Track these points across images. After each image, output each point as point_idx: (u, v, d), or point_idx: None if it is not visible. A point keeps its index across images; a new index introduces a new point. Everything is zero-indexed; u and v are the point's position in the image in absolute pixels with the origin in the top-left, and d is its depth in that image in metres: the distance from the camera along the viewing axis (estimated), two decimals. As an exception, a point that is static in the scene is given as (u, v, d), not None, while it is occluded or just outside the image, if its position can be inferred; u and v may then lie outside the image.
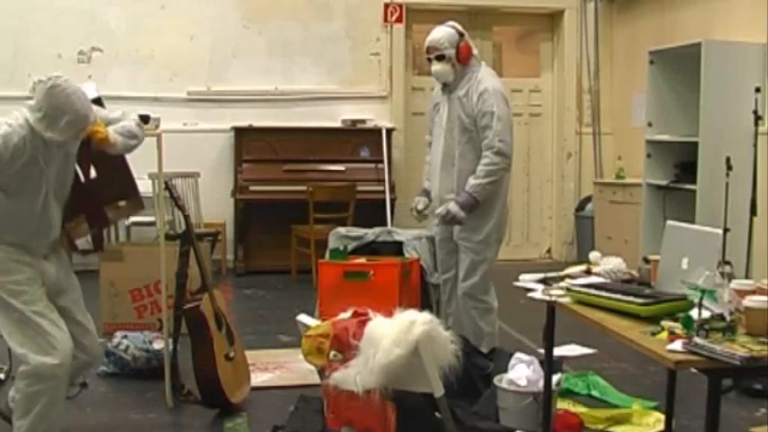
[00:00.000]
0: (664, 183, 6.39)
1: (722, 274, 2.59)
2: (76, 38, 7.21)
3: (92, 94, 3.32)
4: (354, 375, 2.88)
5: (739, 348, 2.16)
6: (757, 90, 5.42)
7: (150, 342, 4.46)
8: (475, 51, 4.28)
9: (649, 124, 6.50)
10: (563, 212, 8.46)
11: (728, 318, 2.35)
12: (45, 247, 3.19)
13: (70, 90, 2.96)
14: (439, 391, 2.92)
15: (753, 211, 5.30)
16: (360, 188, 7.10)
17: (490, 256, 4.23)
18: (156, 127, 4.00)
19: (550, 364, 3.36)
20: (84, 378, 4.21)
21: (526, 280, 3.29)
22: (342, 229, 4.63)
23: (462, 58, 4.24)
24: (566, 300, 2.89)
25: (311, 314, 3.68)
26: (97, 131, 3.15)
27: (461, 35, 4.27)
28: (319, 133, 7.68)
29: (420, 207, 4.44)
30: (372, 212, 7.08)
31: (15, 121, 2.95)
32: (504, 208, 4.27)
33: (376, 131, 7.66)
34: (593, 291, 2.80)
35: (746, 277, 4.72)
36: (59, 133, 2.96)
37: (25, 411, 3.02)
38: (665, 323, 2.42)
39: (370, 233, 4.57)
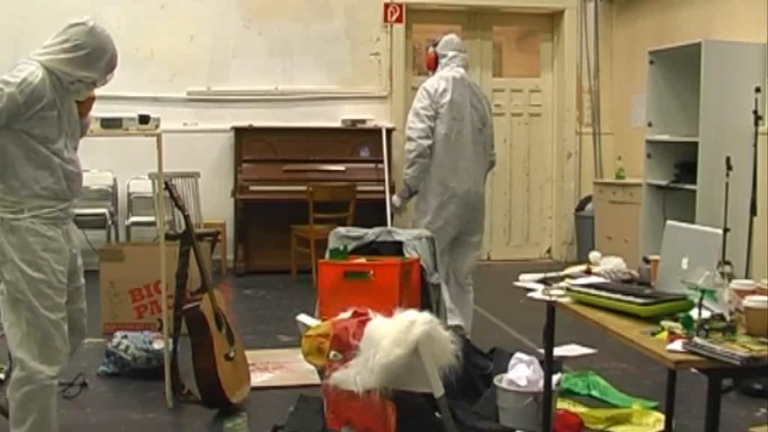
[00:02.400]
0: (664, 183, 6.38)
1: (722, 274, 2.59)
2: (76, 38, 7.20)
3: None
4: (354, 375, 2.88)
5: (739, 348, 2.16)
6: (757, 90, 5.42)
7: (150, 342, 4.46)
8: (443, 60, 4.70)
9: (649, 124, 6.50)
10: (563, 212, 8.46)
11: (728, 318, 2.35)
12: (72, 207, 3.13)
13: (107, 31, 3.09)
14: (439, 391, 2.92)
15: (753, 211, 5.30)
16: (360, 188, 7.10)
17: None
18: (156, 127, 4.00)
19: (550, 364, 3.36)
20: (84, 378, 4.22)
21: (526, 280, 3.29)
22: (342, 229, 4.62)
23: (427, 66, 4.85)
24: (566, 300, 2.88)
25: (311, 314, 3.68)
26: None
27: (434, 46, 4.79)
28: (319, 133, 7.68)
29: None
30: (372, 212, 7.08)
31: (30, 67, 2.95)
32: (433, 193, 4.64)
33: (376, 131, 7.67)
34: (593, 291, 2.79)
35: (746, 277, 4.72)
36: (98, 72, 3.04)
37: (20, 421, 2.99)
38: (665, 323, 2.42)
39: (370, 233, 4.56)
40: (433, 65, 4.73)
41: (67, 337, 3.05)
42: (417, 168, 4.62)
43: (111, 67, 3.10)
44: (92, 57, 3.01)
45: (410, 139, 4.61)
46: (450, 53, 4.68)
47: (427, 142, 4.55)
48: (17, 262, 2.93)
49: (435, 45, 4.77)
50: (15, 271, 2.93)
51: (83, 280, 3.28)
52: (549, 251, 8.65)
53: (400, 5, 7.96)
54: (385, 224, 6.90)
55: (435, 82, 4.62)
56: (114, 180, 7.42)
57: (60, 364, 3.01)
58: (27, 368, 2.95)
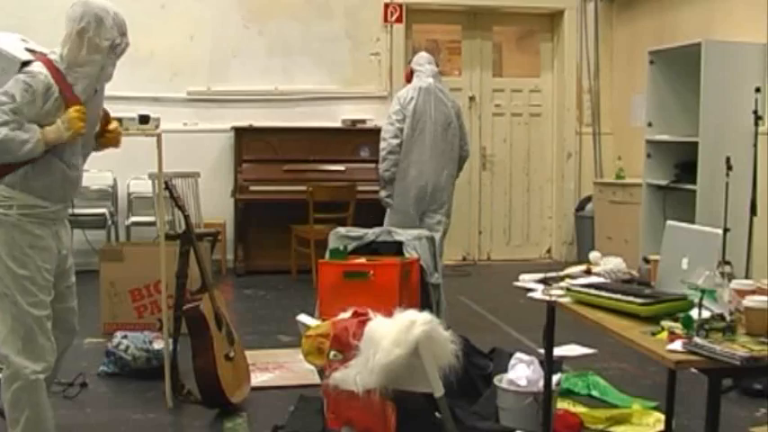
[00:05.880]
0: (664, 183, 6.38)
1: (722, 274, 2.59)
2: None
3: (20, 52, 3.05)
4: (354, 375, 2.88)
5: (739, 348, 2.16)
6: (757, 90, 5.42)
7: (150, 342, 4.45)
8: (415, 73, 5.70)
9: (649, 124, 6.50)
10: (563, 212, 8.46)
11: (728, 318, 2.35)
12: (65, 209, 3.13)
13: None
14: (439, 391, 2.92)
15: (753, 211, 5.29)
16: (360, 188, 7.09)
17: (392, 223, 5.49)
18: (156, 127, 4.00)
19: (550, 364, 3.36)
20: (84, 378, 4.22)
21: (526, 280, 3.29)
22: (342, 229, 4.64)
23: (406, 79, 5.91)
24: (566, 300, 2.88)
25: (311, 314, 3.68)
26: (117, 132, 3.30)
27: (410, 63, 5.95)
28: (319, 133, 7.68)
29: None
30: (372, 212, 7.07)
31: (34, 69, 2.93)
32: (403, 186, 5.61)
33: (376, 131, 7.59)
34: (593, 291, 2.79)
35: (746, 277, 4.71)
36: (111, 34, 3.02)
37: (15, 421, 2.99)
38: (665, 323, 2.42)
39: (370, 233, 4.57)
40: (410, 77, 5.77)
41: (51, 334, 3.04)
42: (389, 162, 5.62)
43: (119, 24, 3.07)
44: (95, 23, 2.98)
45: (383, 139, 5.64)
46: (419, 67, 5.71)
47: (396, 141, 5.58)
48: (3, 257, 2.94)
49: (410, 62, 5.93)
50: (1, 266, 2.94)
51: (74, 279, 3.28)
52: (549, 251, 8.65)
53: (400, 5, 7.96)
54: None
55: (405, 92, 5.67)
56: (114, 180, 7.42)
57: (45, 360, 3.00)
58: (12, 364, 2.96)
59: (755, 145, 5.37)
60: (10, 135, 2.82)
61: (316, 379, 3.43)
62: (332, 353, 3.01)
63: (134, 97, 6.93)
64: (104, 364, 4.44)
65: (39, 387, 3.00)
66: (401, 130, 5.56)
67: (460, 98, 8.29)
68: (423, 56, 5.83)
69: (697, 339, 2.23)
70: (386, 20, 7.97)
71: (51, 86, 2.92)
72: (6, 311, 2.96)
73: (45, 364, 3.00)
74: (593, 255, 3.40)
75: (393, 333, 2.87)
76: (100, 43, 2.99)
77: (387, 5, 7.94)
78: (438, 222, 5.61)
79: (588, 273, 3.22)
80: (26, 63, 2.96)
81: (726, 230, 4.60)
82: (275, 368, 4.54)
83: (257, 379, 4.26)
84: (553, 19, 8.55)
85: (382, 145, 5.63)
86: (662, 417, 3.55)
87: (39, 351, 2.98)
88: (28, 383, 2.96)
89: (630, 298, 2.64)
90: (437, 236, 5.32)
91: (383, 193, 5.72)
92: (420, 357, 2.85)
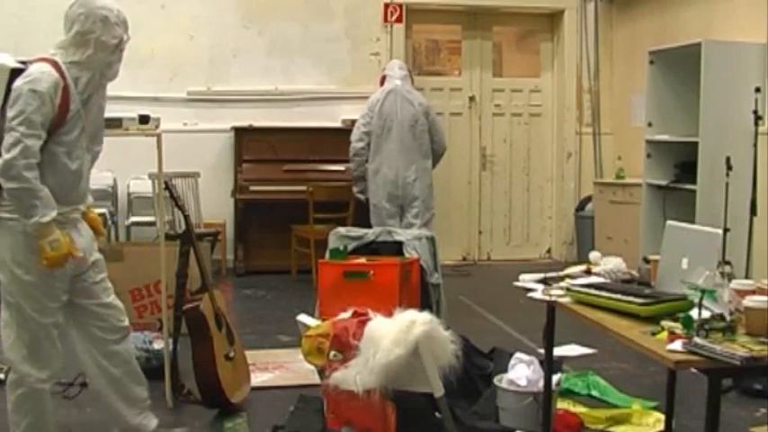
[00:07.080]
0: (664, 183, 6.38)
1: (722, 274, 2.59)
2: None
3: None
4: (354, 375, 2.88)
5: (739, 348, 2.16)
6: (757, 90, 5.42)
7: (150, 342, 4.45)
8: (387, 78, 6.37)
9: (649, 124, 6.50)
10: (563, 212, 8.46)
11: (728, 318, 2.35)
12: (74, 212, 3.06)
13: None
14: (439, 391, 2.92)
15: (753, 211, 5.29)
16: (360, 188, 7.10)
17: (374, 222, 6.07)
18: (156, 127, 4.00)
19: (550, 364, 3.36)
20: (84, 378, 4.21)
21: (526, 280, 3.29)
22: (342, 229, 4.64)
23: (380, 84, 6.49)
24: (566, 300, 2.88)
25: (311, 314, 3.68)
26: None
27: (384, 70, 6.65)
28: (319, 133, 7.68)
29: None
30: (372, 212, 7.09)
31: (33, 71, 2.90)
32: (376, 181, 6.19)
33: (376, 131, 7.66)
34: (593, 291, 2.80)
35: (746, 277, 4.71)
36: (115, 31, 3.03)
37: (16, 425, 2.99)
38: (665, 323, 2.42)
39: (370, 233, 4.57)
40: (383, 82, 6.39)
41: (58, 341, 3.01)
42: (355, 164, 6.30)
43: (122, 21, 3.09)
44: (94, 16, 2.97)
45: (350, 141, 6.28)
46: (390, 72, 6.38)
47: (360, 144, 6.21)
48: (7, 263, 2.92)
49: (384, 69, 6.65)
50: (6, 271, 2.92)
51: (103, 275, 3.19)
52: (549, 251, 8.65)
53: (400, 5, 7.96)
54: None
55: (374, 96, 6.30)
56: (114, 180, 7.41)
57: (51, 368, 2.98)
58: (17, 370, 2.95)
59: (755, 145, 5.37)
60: (31, 184, 2.80)
61: (316, 379, 3.43)
62: (332, 353, 3.01)
63: (134, 97, 6.92)
64: (104, 364, 4.44)
65: (42, 396, 2.99)
66: (366, 133, 6.18)
67: (460, 98, 8.32)
68: (394, 62, 6.58)
69: (697, 339, 2.23)
70: (386, 20, 7.97)
71: (59, 82, 2.89)
72: (12, 317, 2.95)
73: (50, 371, 2.98)
74: (593, 255, 3.40)
75: (393, 333, 2.87)
76: (107, 41, 3.00)
77: (387, 5, 7.94)
78: (416, 216, 6.11)
79: (588, 273, 3.22)
80: (17, 72, 2.92)
81: (726, 230, 4.59)
82: (275, 368, 4.54)
83: (257, 379, 4.26)
84: (553, 19, 8.55)
85: (350, 147, 6.27)
86: (662, 417, 3.55)
87: (44, 358, 2.96)
88: (32, 391, 2.96)
89: (630, 298, 2.64)
90: (416, 225, 5.91)
91: (355, 189, 6.45)
92: (420, 357, 2.85)
